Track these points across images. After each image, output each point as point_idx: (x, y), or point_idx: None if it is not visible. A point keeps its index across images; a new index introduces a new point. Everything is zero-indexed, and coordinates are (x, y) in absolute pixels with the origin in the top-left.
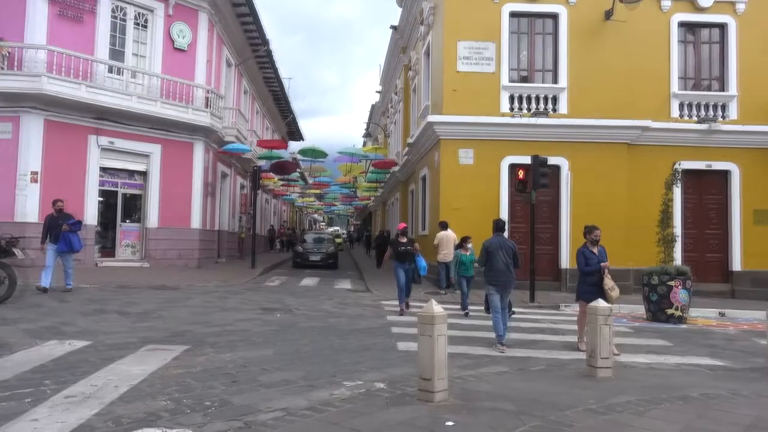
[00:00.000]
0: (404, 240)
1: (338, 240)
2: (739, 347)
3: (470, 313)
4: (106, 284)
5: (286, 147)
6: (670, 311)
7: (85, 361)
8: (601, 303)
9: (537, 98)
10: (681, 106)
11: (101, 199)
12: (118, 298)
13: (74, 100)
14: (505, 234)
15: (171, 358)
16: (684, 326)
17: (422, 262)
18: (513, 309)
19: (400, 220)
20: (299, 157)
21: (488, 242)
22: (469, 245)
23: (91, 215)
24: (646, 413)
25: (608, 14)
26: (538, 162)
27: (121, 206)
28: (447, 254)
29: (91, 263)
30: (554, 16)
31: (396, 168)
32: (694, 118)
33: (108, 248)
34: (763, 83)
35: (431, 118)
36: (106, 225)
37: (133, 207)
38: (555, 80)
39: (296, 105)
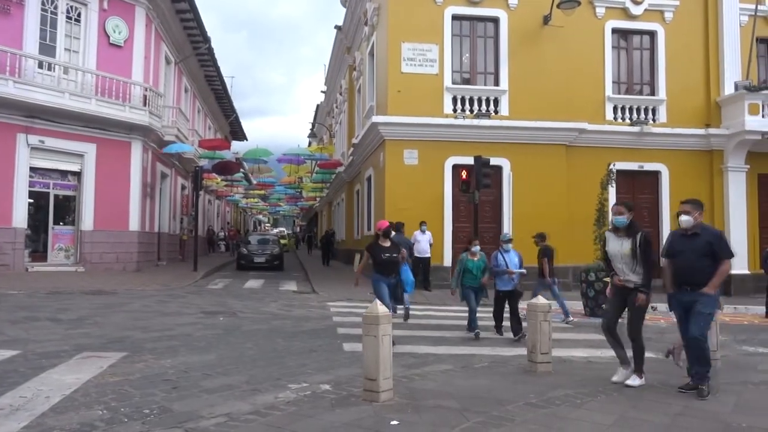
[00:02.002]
0: (388, 244)
1: (284, 241)
2: (670, 339)
3: (482, 335)
4: (37, 290)
5: (228, 147)
6: (606, 307)
7: (13, 371)
8: (540, 300)
9: (479, 100)
10: (615, 109)
11: (31, 200)
12: (50, 304)
13: (1, 97)
14: (449, 234)
15: (107, 365)
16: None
17: (410, 276)
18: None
19: (346, 221)
20: (242, 157)
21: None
22: (477, 247)
23: (20, 218)
24: (583, 405)
25: (546, 19)
26: (481, 163)
27: (53, 208)
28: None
29: (20, 268)
30: (495, 20)
31: (341, 168)
32: (627, 121)
33: (39, 252)
34: (689, 88)
35: (376, 118)
36: (36, 228)
37: (67, 209)
38: (496, 83)
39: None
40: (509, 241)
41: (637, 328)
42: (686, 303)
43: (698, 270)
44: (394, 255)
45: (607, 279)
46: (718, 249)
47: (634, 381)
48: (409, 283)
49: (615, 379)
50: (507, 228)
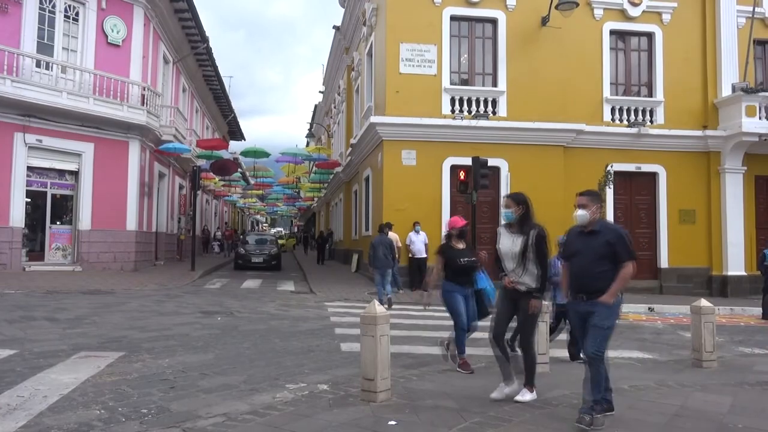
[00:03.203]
0: (462, 246)
1: (281, 241)
2: (666, 340)
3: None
4: (34, 289)
5: (226, 147)
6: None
7: (10, 371)
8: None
9: (477, 101)
10: (613, 110)
11: (28, 200)
12: (47, 303)
13: None
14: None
15: (105, 365)
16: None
17: (488, 283)
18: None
19: (344, 221)
20: (240, 157)
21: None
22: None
23: (17, 217)
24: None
25: (544, 21)
26: (479, 163)
27: (50, 207)
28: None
29: (17, 267)
30: (493, 21)
31: (339, 168)
32: (625, 122)
33: (36, 251)
34: (686, 90)
35: (374, 119)
36: (33, 227)
37: (64, 208)
38: (494, 83)
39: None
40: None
41: (529, 338)
42: (583, 314)
43: (595, 274)
44: (473, 259)
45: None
46: (619, 249)
47: (525, 396)
48: (491, 294)
49: (494, 396)
50: None
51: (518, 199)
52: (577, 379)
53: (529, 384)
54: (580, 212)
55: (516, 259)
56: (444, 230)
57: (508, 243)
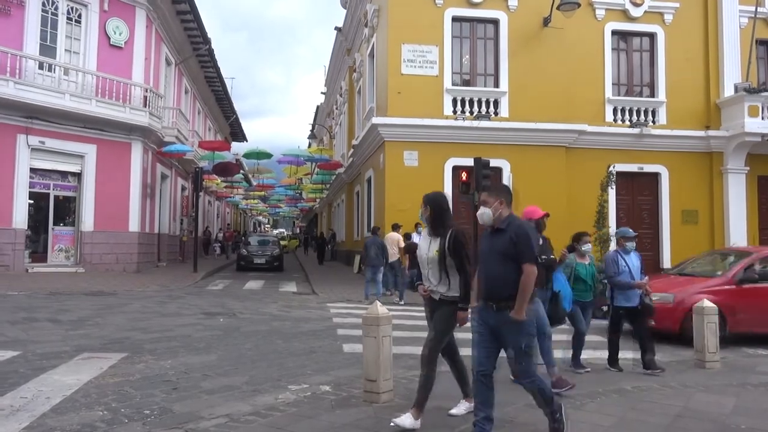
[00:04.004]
0: (540, 242)
1: (284, 242)
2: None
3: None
4: (37, 291)
5: (228, 148)
6: (605, 308)
7: (14, 372)
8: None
9: (479, 102)
10: (615, 111)
11: (31, 201)
12: (50, 305)
13: (1, 98)
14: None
15: (107, 366)
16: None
17: (568, 287)
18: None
19: (346, 222)
20: (243, 158)
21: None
22: (588, 246)
23: (20, 218)
24: (583, 407)
25: (546, 21)
26: (481, 164)
27: (53, 209)
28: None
29: (20, 269)
30: (495, 22)
31: (341, 169)
32: (627, 123)
33: (39, 253)
34: (688, 90)
35: (376, 120)
36: (36, 228)
37: (67, 210)
38: (496, 84)
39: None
40: (634, 238)
41: (435, 352)
42: (492, 326)
43: (500, 279)
44: (551, 257)
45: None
46: (520, 249)
47: (405, 421)
48: (567, 297)
49: (453, 412)
50: None
51: (426, 199)
52: (580, 380)
53: (417, 406)
54: (480, 211)
55: (430, 264)
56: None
57: (424, 247)
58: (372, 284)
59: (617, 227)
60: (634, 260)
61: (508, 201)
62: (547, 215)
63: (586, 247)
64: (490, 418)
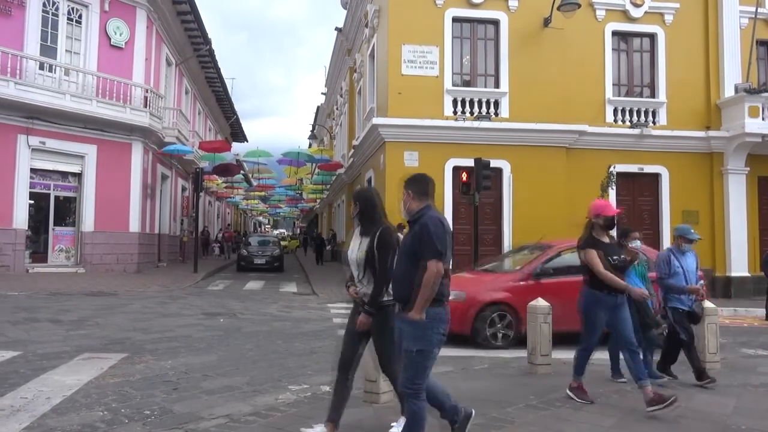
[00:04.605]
0: (607, 240)
1: (284, 243)
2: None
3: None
4: (38, 291)
5: (229, 149)
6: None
7: (14, 372)
8: (540, 302)
9: (479, 102)
10: (615, 111)
11: (32, 201)
12: (50, 305)
13: (2, 98)
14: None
15: (108, 366)
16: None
17: (647, 286)
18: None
19: (346, 223)
20: (243, 158)
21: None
22: (637, 242)
23: (20, 219)
24: (583, 407)
25: (547, 22)
26: (481, 165)
27: (53, 209)
28: None
29: (21, 269)
30: (495, 22)
31: (342, 170)
32: (628, 123)
33: (40, 253)
34: (689, 91)
35: (376, 120)
36: (37, 229)
37: (67, 210)
38: (497, 85)
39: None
40: (694, 241)
41: (388, 355)
42: (398, 329)
43: (400, 277)
44: (622, 257)
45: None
46: (421, 244)
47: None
48: (650, 300)
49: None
50: (507, 230)
51: (354, 196)
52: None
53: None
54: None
55: (359, 266)
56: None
57: (354, 247)
58: None
59: (617, 228)
60: (689, 261)
61: (417, 192)
62: (619, 213)
63: (635, 243)
64: (449, 407)
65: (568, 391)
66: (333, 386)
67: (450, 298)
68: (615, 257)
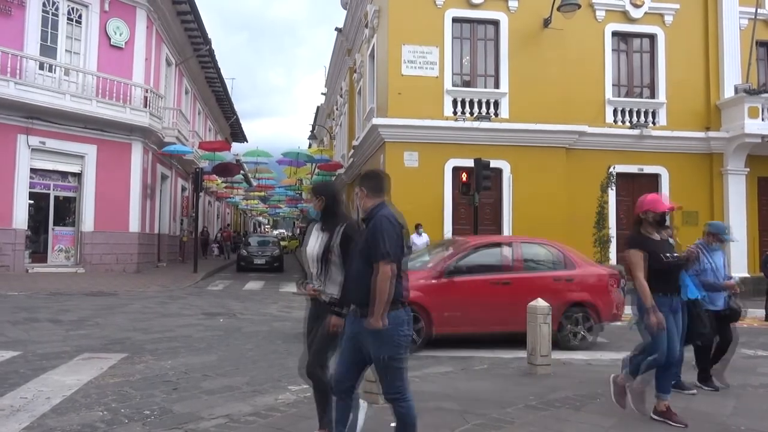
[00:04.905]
0: (659, 237)
1: (284, 243)
2: None
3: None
4: (38, 291)
5: (229, 149)
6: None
7: (14, 372)
8: (540, 302)
9: (479, 102)
10: (615, 112)
11: (31, 201)
12: (50, 305)
13: (2, 98)
14: (448, 235)
15: (108, 366)
16: (619, 323)
17: (700, 290)
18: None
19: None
20: (243, 158)
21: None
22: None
23: (20, 219)
24: (583, 408)
25: (546, 22)
26: (481, 165)
27: (53, 209)
28: None
29: (21, 269)
30: (495, 23)
31: (341, 170)
32: (627, 124)
33: (40, 253)
34: (689, 91)
35: (376, 120)
36: (37, 229)
37: (67, 210)
38: (496, 85)
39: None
40: (727, 241)
41: (320, 359)
42: (353, 334)
43: (357, 281)
44: (679, 255)
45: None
46: (371, 245)
47: None
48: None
49: None
50: (507, 231)
51: (318, 190)
52: (580, 381)
53: (323, 428)
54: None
55: (316, 261)
56: (447, 232)
57: (312, 243)
58: None
59: (617, 228)
60: (717, 259)
61: (371, 189)
62: (672, 209)
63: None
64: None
65: (653, 416)
66: (315, 396)
67: None
68: (668, 254)
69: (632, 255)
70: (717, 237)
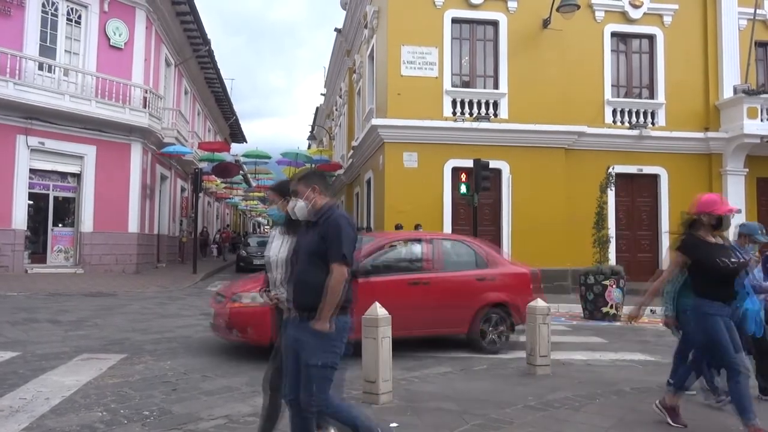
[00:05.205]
0: (715, 240)
1: None
2: (668, 342)
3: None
4: (37, 291)
5: (228, 149)
6: (605, 309)
7: (13, 372)
8: (539, 303)
9: (478, 103)
10: (614, 112)
11: (31, 202)
12: (49, 305)
13: (1, 99)
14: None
15: (107, 367)
16: (618, 324)
17: (756, 302)
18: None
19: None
20: (242, 159)
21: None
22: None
23: (19, 219)
24: (582, 408)
25: (546, 23)
26: (480, 166)
27: (52, 210)
28: None
29: (20, 270)
30: (495, 24)
31: (341, 171)
32: (626, 125)
33: (39, 254)
34: (688, 92)
35: (375, 121)
36: (36, 229)
37: (66, 210)
38: (496, 86)
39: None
40: (760, 243)
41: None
42: (293, 339)
43: (304, 282)
44: (739, 260)
45: (607, 282)
46: (329, 245)
47: None
48: (753, 316)
49: None
50: (506, 231)
51: (281, 189)
52: (579, 381)
53: None
54: (292, 203)
55: (281, 266)
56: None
57: (275, 248)
58: None
59: (617, 229)
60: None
61: (324, 187)
62: (731, 211)
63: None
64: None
65: (657, 405)
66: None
67: (246, 301)
68: (724, 259)
69: (672, 256)
70: (750, 238)
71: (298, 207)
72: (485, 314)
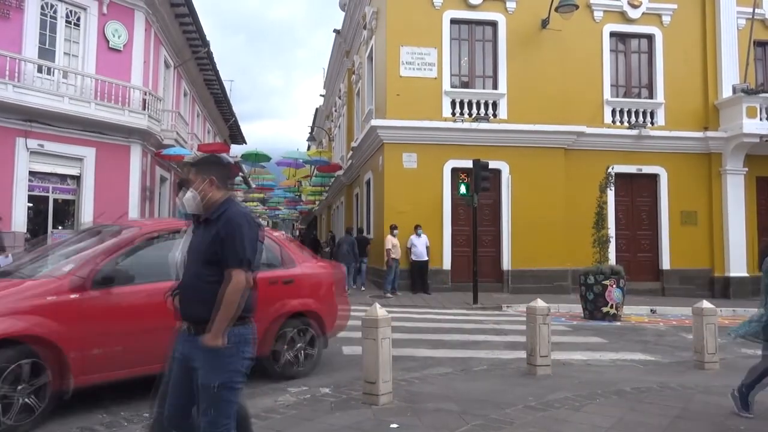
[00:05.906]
0: None
1: None
2: (668, 342)
3: None
4: None
5: (228, 151)
6: (605, 309)
7: None
8: (539, 303)
9: (478, 103)
10: (613, 112)
11: (30, 205)
12: None
13: (0, 101)
14: (447, 237)
15: None
16: (618, 323)
17: None
18: None
19: (345, 224)
20: (242, 160)
21: None
22: None
23: (19, 222)
24: (582, 408)
25: (544, 23)
26: (480, 166)
27: (52, 212)
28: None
29: None
30: (493, 24)
31: (340, 172)
32: (626, 124)
33: None
34: (687, 91)
35: (375, 122)
36: (36, 232)
37: (66, 213)
38: (495, 86)
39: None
40: None
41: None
42: (184, 356)
43: (195, 291)
44: None
45: (607, 282)
46: (225, 248)
47: None
48: None
49: None
50: (506, 231)
51: (184, 178)
52: (579, 381)
53: None
54: (186, 195)
55: (181, 270)
56: (446, 233)
57: (178, 247)
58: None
59: (616, 229)
60: None
61: (221, 178)
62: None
63: None
64: None
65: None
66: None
67: None
68: None
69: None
70: None
71: (186, 199)
72: (282, 327)
